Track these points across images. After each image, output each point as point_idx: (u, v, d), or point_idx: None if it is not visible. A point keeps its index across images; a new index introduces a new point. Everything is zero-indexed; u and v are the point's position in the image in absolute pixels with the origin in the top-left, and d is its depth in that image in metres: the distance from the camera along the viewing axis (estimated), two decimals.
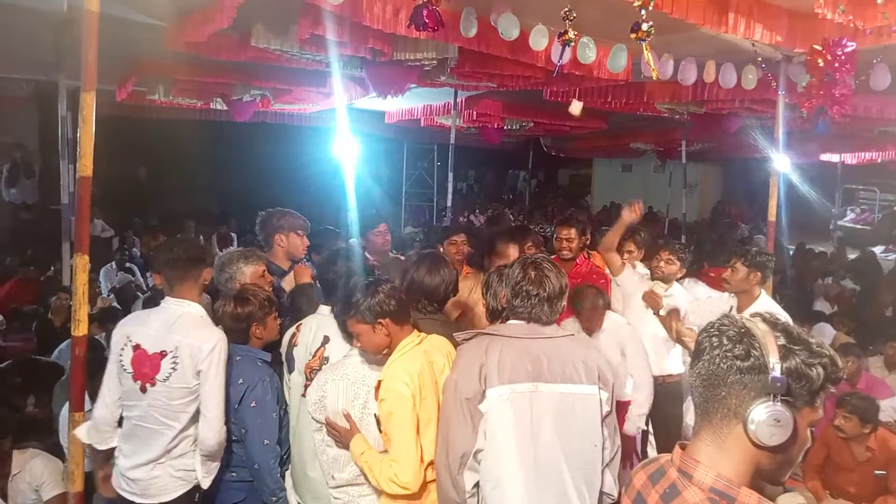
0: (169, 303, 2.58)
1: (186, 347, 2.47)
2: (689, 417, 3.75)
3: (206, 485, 2.57)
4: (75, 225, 2.60)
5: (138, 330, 2.55)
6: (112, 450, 2.60)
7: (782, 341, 1.09)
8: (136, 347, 2.51)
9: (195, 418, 2.53)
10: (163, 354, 2.48)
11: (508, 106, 8.02)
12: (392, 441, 2.16)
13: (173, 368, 2.47)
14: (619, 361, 3.49)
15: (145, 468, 2.51)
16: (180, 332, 2.50)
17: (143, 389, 2.48)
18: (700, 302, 3.87)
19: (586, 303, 3.50)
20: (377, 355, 2.29)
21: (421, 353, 2.28)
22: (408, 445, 2.13)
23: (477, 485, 2.08)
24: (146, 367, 2.48)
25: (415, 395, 2.16)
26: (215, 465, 2.57)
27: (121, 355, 2.52)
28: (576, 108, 4.96)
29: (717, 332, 1.13)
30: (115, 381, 2.54)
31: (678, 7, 3.26)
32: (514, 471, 2.04)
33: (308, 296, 3.04)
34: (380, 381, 2.23)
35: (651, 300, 3.77)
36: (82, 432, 2.58)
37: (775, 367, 1.06)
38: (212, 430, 2.46)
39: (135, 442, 2.53)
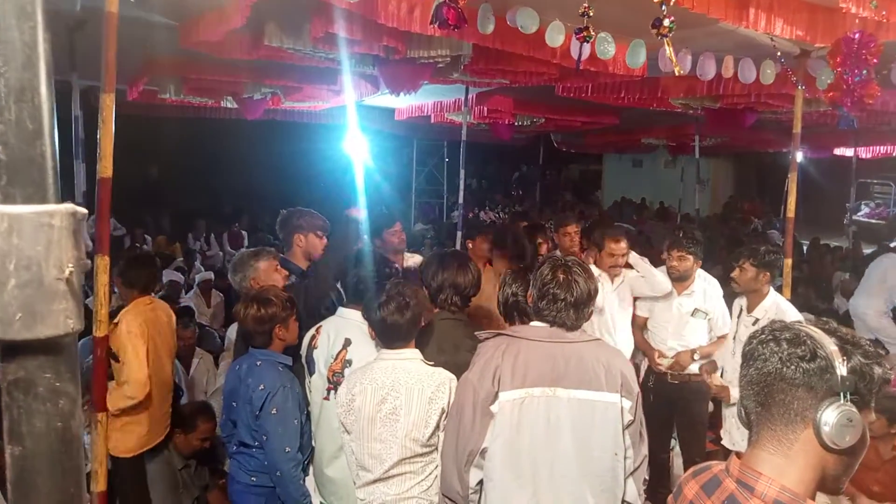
0: None
1: None
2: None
3: None
4: (96, 226, 2.58)
5: None
6: None
7: (837, 342, 1.06)
8: None
9: None
10: None
11: (520, 102, 7.93)
12: None
13: None
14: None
15: None
16: None
17: None
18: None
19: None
20: None
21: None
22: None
23: (481, 482, 2.07)
24: None
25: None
26: None
27: None
28: None
29: (772, 338, 1.10)
30: None
31: (699, 2, 3.20)
32: (522, 474, 2.00)
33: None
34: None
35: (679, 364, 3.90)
36: None
37: (841, 367, 1.03)
38: None
39: None
